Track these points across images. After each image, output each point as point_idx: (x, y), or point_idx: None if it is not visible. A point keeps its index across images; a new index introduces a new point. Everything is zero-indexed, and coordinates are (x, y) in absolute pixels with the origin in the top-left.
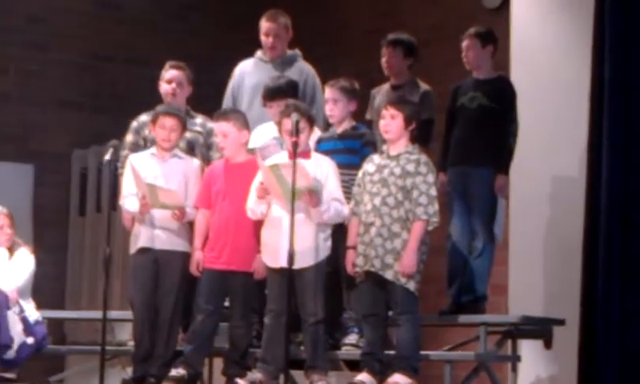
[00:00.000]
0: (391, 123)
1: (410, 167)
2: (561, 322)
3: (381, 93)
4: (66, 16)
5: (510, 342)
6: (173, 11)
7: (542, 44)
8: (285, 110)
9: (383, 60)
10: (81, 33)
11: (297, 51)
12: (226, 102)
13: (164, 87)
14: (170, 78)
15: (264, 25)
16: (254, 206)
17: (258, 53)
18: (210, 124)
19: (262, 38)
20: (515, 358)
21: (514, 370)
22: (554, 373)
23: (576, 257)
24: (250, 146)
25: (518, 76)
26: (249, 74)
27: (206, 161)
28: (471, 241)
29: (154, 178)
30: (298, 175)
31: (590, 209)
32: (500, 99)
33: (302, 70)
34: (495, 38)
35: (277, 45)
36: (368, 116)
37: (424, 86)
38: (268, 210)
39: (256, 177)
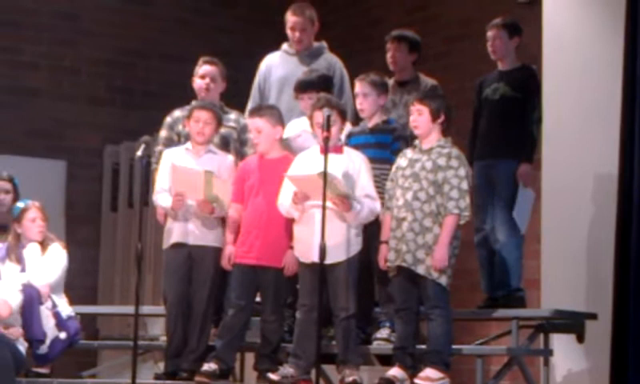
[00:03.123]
0: (418, 119)
1: (442, 161)
2: (593, 316)
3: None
4: (96, 12)
5: (542, 336)
6: (205, 7)
7: (574, 37)
8: (316, 103)
9: (388, 55)
10: (112, 29)
11: (323, 43)
12: (253, 96)
13: (197, 82)
14: (204, 74)
15: (290, 18)
16: (289, 208)
17: (284, 45)
18: (244, 120)
19: (289, 31)
20: (547, 352)
21: (546, 364)
22: (586, 367)
23: (608, 251)
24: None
25: (551, 69)
26: (275, 66)
27: (240, 156)
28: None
29: None
30: (337, 183)
31: (622, 202)
32: (523, 88)
33: (330, 61)
34: (521, 29)
35: (303, 38)
36: None
37: (430, 81)
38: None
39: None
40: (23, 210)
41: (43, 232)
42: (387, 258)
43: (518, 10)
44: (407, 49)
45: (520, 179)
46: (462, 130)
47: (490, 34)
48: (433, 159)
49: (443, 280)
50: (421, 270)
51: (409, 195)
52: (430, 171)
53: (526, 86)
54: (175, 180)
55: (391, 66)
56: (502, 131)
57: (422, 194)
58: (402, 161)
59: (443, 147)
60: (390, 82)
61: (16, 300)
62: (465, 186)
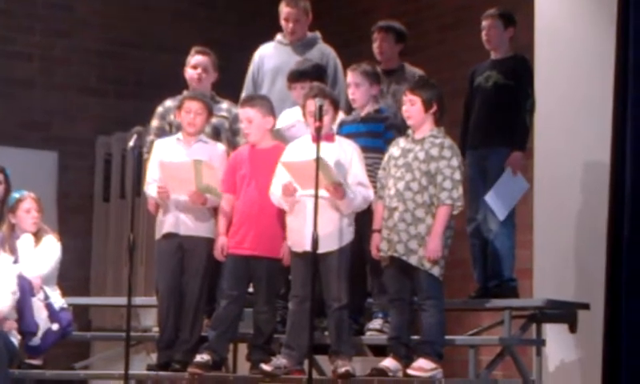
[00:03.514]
0: (411, 109)
1: (434, 151)
2: (585, 306)
3: None
4: (90, 3)
5: (534, 326)
6: None
7: (566, 26)
8: (309, 92)
9: (375, 45)
10: (105, 19)
11: (317, 33)
12: (247, 86)
13: (189, 72)
14: (196, 64)
15: (284, 10)
16: (280, 199)
17: (278, 36)
18: (236, 109)
19: (282, 22)
20: (540, 342)
21: (539, 353)
22: (578, 356)
23: (601, 240)
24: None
25: (543, 58)
26: (268, 57)
27: (232, 146)
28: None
29: None
30: (332, 170)
31: (614, 192)
32: (515, 76)
33: (323, 51)
34: (515, 20)
35: (297, 29)
36: None
37: (417, 71)
38: (292, 200)
39: (279, 165)
40: (18, 201)
41: (37, 223)
42: (379, 247)
43: None
44: (394, 39)
45: (510, 166)
46: (454, 120)
47: (485, 23)
48: (425, 149)
49: (436, 271)
50: (413, 260)
51: (400, 185)
52: (423, 161)
53: (518, 74)
54: (165, 176)
55: (378, 56)
56: (494, 119)
57: (414, 185)
58: (394, 150)
59: (436, 137)
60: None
61: (5, 303)
62: (458, 176)
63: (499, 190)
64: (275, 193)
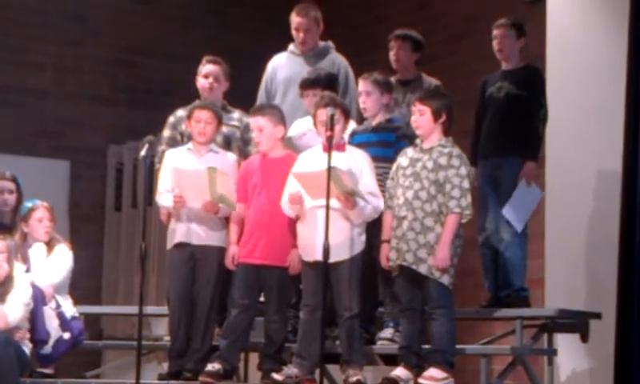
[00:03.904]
0: (420, 119)
1: (443, 160)
2: (597, 316)
3: None
4: (103, 13)
5: (546, 335)
6: (210, 6)
7: (578, 36)
8: (320, 100)
9: (391, 53)
10: (117, 29)
11: (329, 43)
12: (260, 97)
13: (201, 82)
14: (207, 73)
15: (294, 20)
16: (290, 209)
17: (291, 46)
18: (247, 119)
19: (293, 32)
20: (551, 352)
21: (551, 363)
22: (590, 366)
23: (612, 249)
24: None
25: (554, 68)
26: (281, 67)
27: (243, 155)
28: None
29: None
30: (344, 179)
31: (625, 201)
32: (528, 86)
33: (335, 61)
34: (526, 31)
35: (308, 39)
36: None
37: (433, 81)
38: (302, 209)
39: (290, 175)
40: (31, 210)
41: (49, 232)
42: (389, 256)
43: (521, 8)
44: (411, 48)
45: (524, 177)
46: (465, 130)
47: (497, 32)
48: (434, 158)
49: (445, 279)
50: (423, 269)
51: (409, 194)
52: (431, 170)
53: (531, 84)
54: (179, 184)
55: (394, 65)
56: (507, 129)
57: (422, 194)
58: (402, 160)
59: (444, 146)
60: (392, 80)
61: (16, 314)
62: (466, 184)
63: (515, 202)
64: (286, 204)
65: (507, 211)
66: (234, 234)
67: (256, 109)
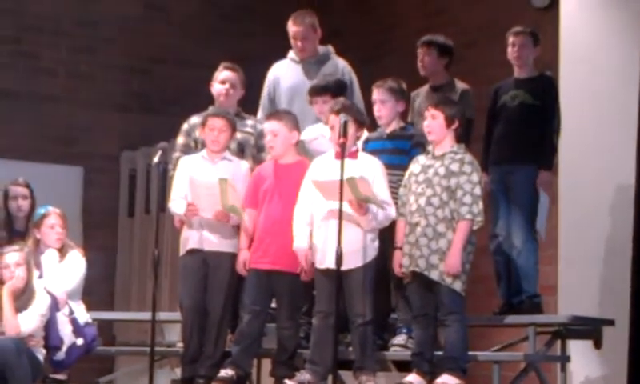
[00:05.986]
0: (432, 124)
1: (454, 167)
2: (610, 322)
3: (420, 95)
4: (117, 19)
5: (559, 342)
6: (224, 13)
7: (591, 43)
8: (333, 106)
9: (418, 60)
10: (131, 35)
11: (329, 47)
12: (264, 105)
13: (217, 87)
14: (224, 79)
15: (291, 29)
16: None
17: (291, 53)
18: (261, 125)
19: (292, 41)
20: (564, 359)
21: (564, 370)
22: (603, 373)
23: (625, 256)
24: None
25: (568, 75)
26: (284, 76)
27: (257, 162)
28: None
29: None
30: (361, 186)
31: (639, 207)
32: (542, 96)
33: (337, 65)
34: (540, 40)
35: (306, 47)
36: (409, 118)
37: (462, 85)
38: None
39: (304, 181)
40: (43, 216)
41: (62, 239)
42: (402, 263)
43: (534, 15)
44: (437, 53)
45: (540, 187)
46: (475, 136)
47: (515, 40)
48: (446, 165)
49: (457, 285)
50: (434, 275)
51: (422, 200)
52: (443, 177)
53: (545, 94)
54: (194, 193)
55: (421, 71)
56: (521, 137)
57: (435, 200)
58: (414, 167)
59: (456, 153)
60: (425, 87)
61: (30, 325)
62: (478, 191)
63: (542, 214)
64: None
65: (540, 225)
66: (245, 240)
67: (272, 113)
